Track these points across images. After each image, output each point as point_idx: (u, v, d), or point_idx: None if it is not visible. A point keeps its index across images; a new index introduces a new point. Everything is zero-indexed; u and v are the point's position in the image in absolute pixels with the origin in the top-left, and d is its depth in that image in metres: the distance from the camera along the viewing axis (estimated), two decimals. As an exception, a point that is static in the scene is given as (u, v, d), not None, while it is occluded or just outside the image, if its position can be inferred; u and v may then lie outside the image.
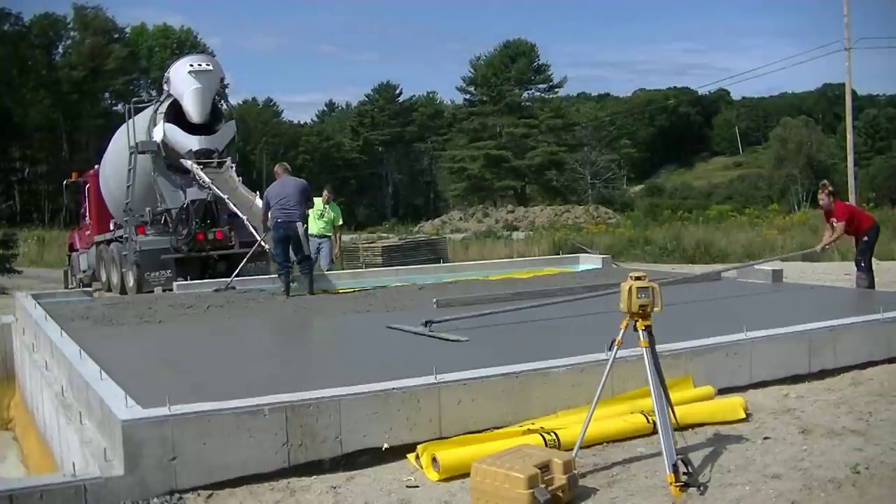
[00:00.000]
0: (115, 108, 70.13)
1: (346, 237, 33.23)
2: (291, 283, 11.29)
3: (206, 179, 14.91)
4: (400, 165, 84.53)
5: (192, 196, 15.49)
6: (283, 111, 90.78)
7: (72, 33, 71.88)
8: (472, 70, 76.43)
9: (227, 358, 7.65)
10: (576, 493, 4.44)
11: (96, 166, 19.30)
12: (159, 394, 4.86)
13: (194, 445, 4.65)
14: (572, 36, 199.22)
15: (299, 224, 11.19)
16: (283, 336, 8.89)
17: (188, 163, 15.31)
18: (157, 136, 15.74)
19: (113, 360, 6.50)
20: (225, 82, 16.79)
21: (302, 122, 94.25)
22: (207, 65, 16.08)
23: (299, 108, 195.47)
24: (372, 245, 19.42)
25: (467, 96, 78.48)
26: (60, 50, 72.29)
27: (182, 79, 15.75)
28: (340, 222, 15.05)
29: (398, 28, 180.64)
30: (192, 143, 15.48)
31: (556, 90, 77.24)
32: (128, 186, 16.05)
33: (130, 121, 16.45)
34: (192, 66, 15.86)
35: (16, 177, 67.20)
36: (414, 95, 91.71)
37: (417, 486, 4.73)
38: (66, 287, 18.77)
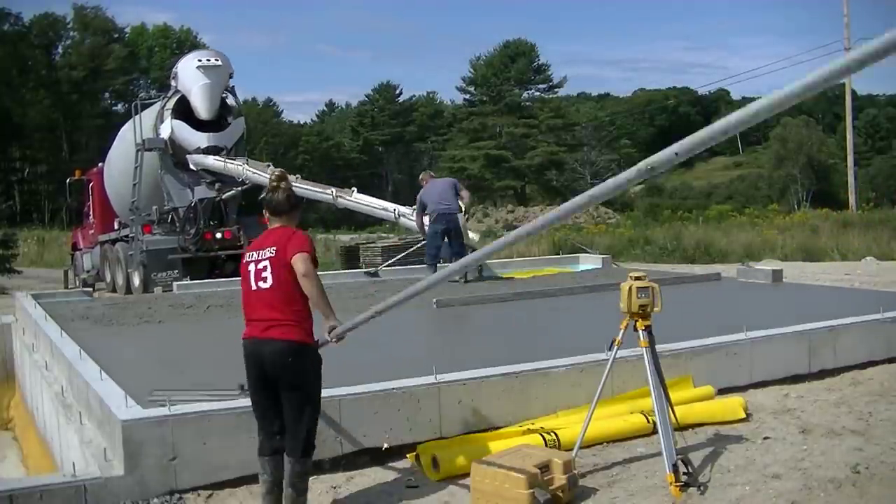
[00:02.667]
0: (115, 108, 70.29)
1: (345, 237, 33.27)
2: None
3: (240, 168, 14.65)
4: (400, 165, 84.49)
5: (199, 194, 15.42)
6: (282, 111, 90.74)
7: (72, 33, 71.87)
8: (471, 70, 76.38)
9: (227, 358, 7.64)
10: (576, 493, 4.44)
11: (100, 164, 19.23)
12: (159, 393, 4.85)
13: (194, 445, 4.65)
14: (570, 35, 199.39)
15: (459, 215, 11.92)
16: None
17: (209, 160, 15.13)
18: (165, 132, 15.69)
19: (113, 360, 6.50)
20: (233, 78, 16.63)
21: (302, 122, 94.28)
22: (216, 60, 15.97)
23: (297, 108, 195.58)
24: (372, 245, 19.38)
25: (467, 96, 78.45)
26: (60, 50, 72.28)
27: (190, 74, 15.68)
28: None
29: (395, 27, 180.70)
30: (201, 139, 15.41)
31: (556, 90, 77.22)
32: (134, 185, 15.98)
33: (137, 117, 16.38)
34: (200, 61, 15.80)
35: (16, 177, 67.16)
36: (414, 95, 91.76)
37: (417, 486, 4.73)
38: (66, 287, 18.73)
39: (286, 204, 4.53)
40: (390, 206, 13.99)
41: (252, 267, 4.39)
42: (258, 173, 14.67)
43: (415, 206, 13.35)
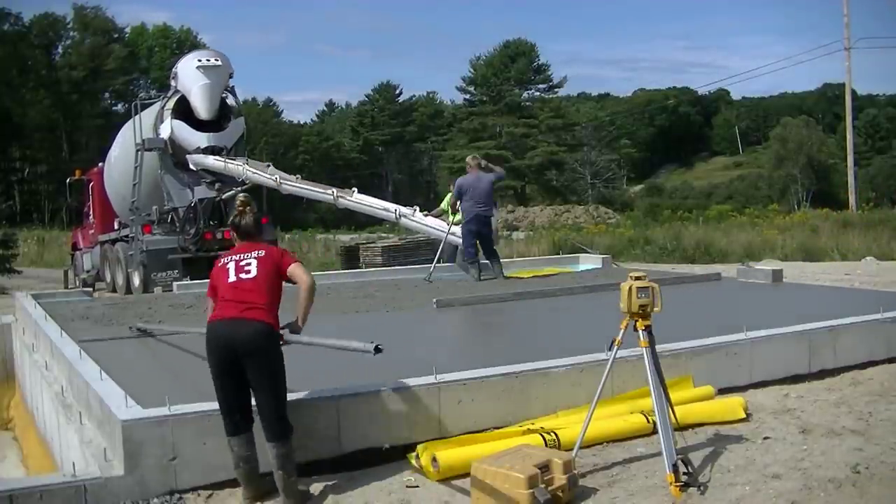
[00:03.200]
0: (115, 108, 70.32)
1: (345, 237, 33.26)
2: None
3: (240, 168, 14.65)
4: (400, 165, 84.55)
5: (199, 194, 15.41)
6: (282, 111, 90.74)
7: (72, 33, 71.90)
8: (471, 70, 76.47)
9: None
10: (576, 493, 4.44)
11: (100, 164, 19.22)
12: (159, 394, 4.85)
13: (194, 445, 4.65)
14: (569, 35, 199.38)
15: (493, 219, 12.11)
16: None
17: (209, 160, 15.12)
18: (165, 132, 15.68)
19: (113, 360, 6.49)
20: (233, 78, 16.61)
21: (302, 122, 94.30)
22: (216, 60, 15.95)
23: (297, 108, 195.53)
24: (372, 245, 19.39)
25: (467, 96, 78.51)
26: (60, 50, 72.35)
27: (190, 74, 15.67)
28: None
29: (394, 26, 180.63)
30: (200, 139, 15.41)
31: (556, 90, 77.30)
32: (134, 185, 15.97)
33: (137, 117, 16.36)
34: (200, 61, 15.78)
35: (16, 177, 67.20)
36: (414, 95, 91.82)
37: (417, 486, 4.73)
38: (66, 287, 18.73)
39: (255, 227, 4.92)
40: (391, 206, 14.01)
41: (232, 265, 4.72)
42: (258, 173, 14.66)
43: (414, 207, 13.36)
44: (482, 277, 11.89)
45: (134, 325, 7.43)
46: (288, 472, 4.48)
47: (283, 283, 4.78)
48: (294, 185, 14.31)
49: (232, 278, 4.66)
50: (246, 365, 4.48)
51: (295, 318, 4.83)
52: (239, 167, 14.72)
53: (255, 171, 14.71)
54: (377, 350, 4.78)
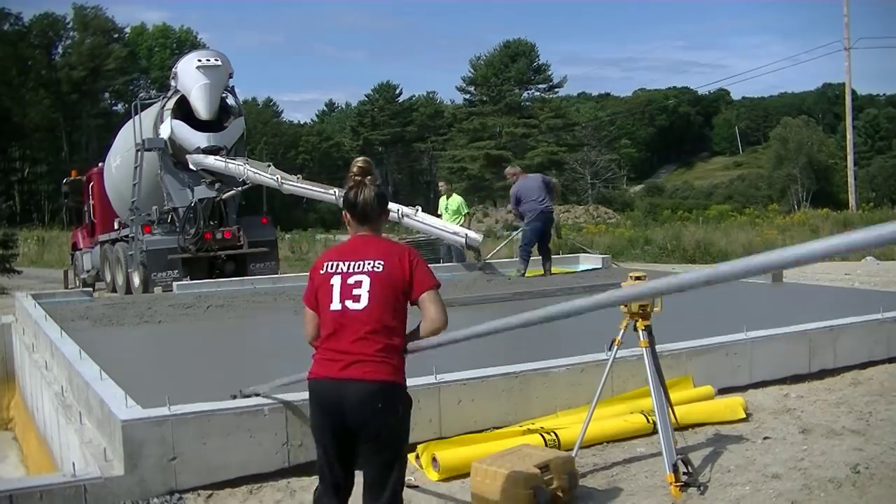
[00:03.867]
0: (115, 108, 70.33)
1: (345, 237, 33.25)
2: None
3: (241, 168, 14.69)
4: (400, 165, 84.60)
5: (199, 194, 15.41)
6: (282, 111, 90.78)
7: (71, 33, 71.94)
8: (471, 70, 76.46)
9: (227, 358, 7.65)
10: (576, 493, 4.44)
11: (100, 164, 19.22)
12: (159, 394, 4.85)
13: (194, 445, 4.65)
14: (567, 34, 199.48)
15: (554, 213, 12.99)
16: (283, 335, 8.88)
17: (209, 159, 15.13)
18: (164, 132, 15.68)
19: (113, 360, 6.50)
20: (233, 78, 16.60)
21: (302, 122, 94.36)
22: (216, 60, 15.95)
23: (295, 108, 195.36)
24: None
25: (467, 96, 78.51)
26: (60, 50, 72.41)
27: (190, 74, 15.66)
28: (466, 210, 15.58)
29: (390, 25, 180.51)
30: (200, 139, 15.41)
31: (556, 90, 77.32)
32: (134, 185, 15.97)
33: (136, 117, 16.36)
34: (200, 61, 15.77)
35: (16, 177, 67.28)
36: (414, 95, 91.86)
37: (417, 486, 4.73)
38: (66, 287, 18.73)
39: (378, 206, 3.56)
40: (393, 206, 13.98)
41: (337, 280, 3.42)
42: (259, 173, 14.66)
43: (416, 206, 13.37)
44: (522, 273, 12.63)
45: (241, 393, 5.32)
46: None
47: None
48: (295, 184, 14.31)
49: (335, 305, 3.39)
50: (358, 432, 3.38)
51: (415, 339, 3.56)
52: (240, 167, 14.72)
53: (255, 170, 14.71)
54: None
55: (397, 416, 3.41)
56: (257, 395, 4.88)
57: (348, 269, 3.44)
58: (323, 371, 3.41)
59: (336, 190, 13.65)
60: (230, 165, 14.85)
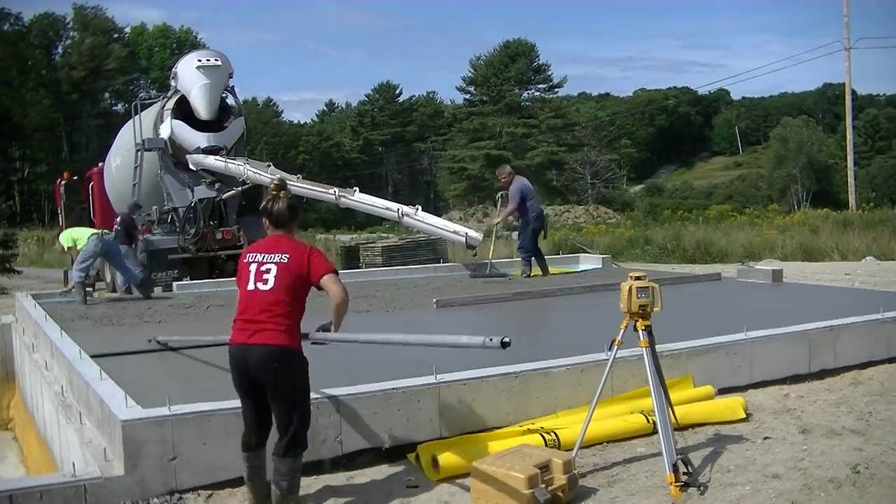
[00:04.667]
0: (115, 108, 70.33)
1: (345, 237, 33.23)
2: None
3: (241, 168, 14.67)
4: (400, 165, 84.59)
5: (199, 194, 15.41)
6: (282, 111, 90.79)
7: (72, 33, 71.93)
8: (471, 70, 76.44)
9: (226, 358, 7.64)
10: (576, 493, 4.44)
11: (100, 164, 19.21)
12: (159, 394, 4.86)
13: (194, 445, 4.65)
14: (564, 33, 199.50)
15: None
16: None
17: (209, 159, 15.12)
18: (165, 132, 15.67)
19: (113, 360, 6.49)
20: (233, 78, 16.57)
21: (302, 122, 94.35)
22: (216, 60, 15.94)
23: (292, 107, 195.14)
24: (372, 245, 19.37)
25: (467, 96, 78.45)
26: (60, 50, 72.40)
27: (190, 74, 15.65)
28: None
29: (386, 24, 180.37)
30: (200, 139, 15.40)
31: (556, 90, 77.30)
32: (134, 185, 15.96)
33: (136, 117, 16.35)
34: (200, 61, 15.76)
35: (16, 177, 67.26)
36: (414, 95, 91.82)
37: (417, 486, 4.73)
38: (66, 287, 18.70)
39: (287, 214, 4.51)
40: (393, 205, 14.00)
41: (254, 267, 4.41)
42: (259, 173, 14.66)
43: (416, 206, 13.37)
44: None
45: (154, 338, 7.03)
46: (282, 489, 4.29)
47: (310, 290, 4.44)
48: (295, 184, 14.32)
49: (250, 286, 4.38)
50: (264, 386, 4.32)
51: (330, 322, 4.65)
52: (240, 167, 14.72)
53: (255, 170, 14.71)
54: (504, 345, 4.22)
55: (290, 372, 4.31)
56: (167, 345, 5.77)
57: (263, 259, 4.41)
58: (237, 339, 4.37)
59: (336, 190, 13.65)
60: (230, 165, 14.85)
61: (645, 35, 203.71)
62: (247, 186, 15.18)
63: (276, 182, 4.73)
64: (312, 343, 4.69)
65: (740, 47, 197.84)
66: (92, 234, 11.64)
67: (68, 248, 11.60)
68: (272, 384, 4.29)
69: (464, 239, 12.83)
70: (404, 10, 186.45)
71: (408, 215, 13.20)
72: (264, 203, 4.59)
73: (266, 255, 4.40)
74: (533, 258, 12.78)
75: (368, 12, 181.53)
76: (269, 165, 15.39)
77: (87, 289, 12.39)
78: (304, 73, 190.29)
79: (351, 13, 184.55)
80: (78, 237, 11.54)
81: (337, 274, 4.44)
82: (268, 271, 4.34)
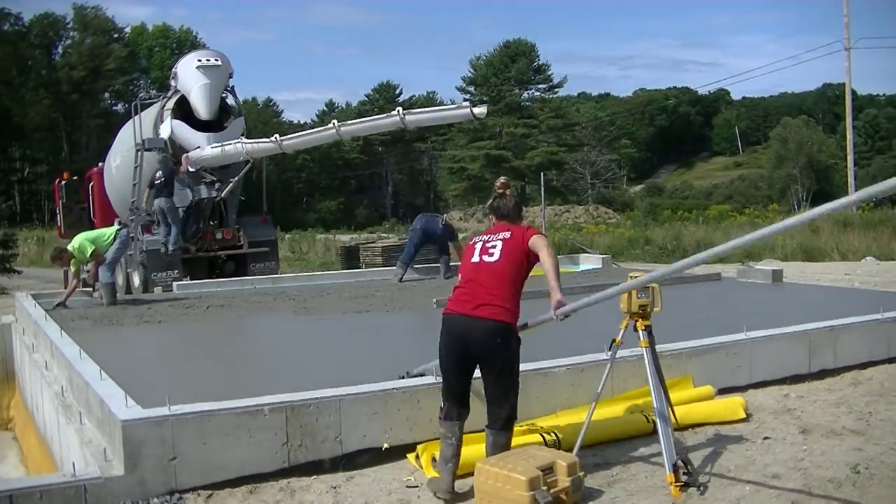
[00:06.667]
0: (115, 108, 70.26)
1: (345, 237, 33.24)
2: None
3: (238, 147, 14.58)
4: (400, 165, 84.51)
5: (199, 194, 15.40)
6: (282, 111, 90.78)
7: (72, 33, 71.87)
8: (471, 70, 76.40)
9: (226, 358, 7.65)
10: (580, 496, 4.42)
11: (100, 164, 19.19)
12: (159, 394, 4.86)
13: (194, 445, 4.65)
14: (562, 32, 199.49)
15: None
16: (283, 336, 8.89)
17: (205, 151, 15.03)
18: (165, 132, 15.64)
19: (113, 360, 6.50)
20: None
21: (302, 122, 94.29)
22: (216, 60, 15.91)
23: (289, 107, 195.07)
24: (372, 245, 19.37)
25: (467, 96, 78.32)
26: (60, 50, 72.29)
27: (190, 74, 15.63)
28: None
29: (380, 22, 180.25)
30: (200, 139, 15.39)
31: (556, 90, 77.22)
32: (134, 184, 15.93)
33: (136, 117, 16.34)
34: (200, 61, 15.73)
35: (16, 177, 67.18)
36: (414, 95, 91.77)
37: (417, 486, 4.73)
38: (66, 287, 18.68)
39: (515, 210, 4.90)
40: (389, 114, 13.05)
41: (479, 245, 4.73)
42: (257, 142, 14.68)
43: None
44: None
45: (408, 374, 5.96)
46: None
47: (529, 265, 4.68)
48: (294, 139, 14.38)
49: (475, 258, 4.66)
50: (479, 361, 4.54)
51: (554, 295, 4.68)
52: (237, 146, 14.67)
53: (253, 142, 14.72)
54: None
55: (511, 348, 4.56)
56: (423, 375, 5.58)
57: (488, 238, 4.76)
58: (454, 308, 4.60)
59: (335, 121, 13.31)
60: (227, 148, 14.79)
61: (643, 34, 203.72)
62: (249, 166, 15.14)
63: (502, 181, 5.63)
64: (547, 321, 4.89)
65: (738, 46, 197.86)
66: (116, 230, 11.15)
67: (91, 253, 10.70)
68: (491, 361, 4.51)
69: (468, 111, 11.99)
70: (395, 7, 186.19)
71: (407, 114, 12.54)
72: (491, 200, 5.06)
73: (492, 235, 4.75)
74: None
75: (360, 10, 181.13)
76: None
77: (87, 288, 12.36)
78: (299, 73, 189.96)
79: (342, 10, 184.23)
80: (93, 239, 10.90)
81: (548, 240, 4.76)
82: (494, 247, 4.66)
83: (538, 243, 4.58)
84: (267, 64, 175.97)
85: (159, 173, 14.47)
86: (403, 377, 5.56)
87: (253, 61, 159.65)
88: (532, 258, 4.63)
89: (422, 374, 5.52)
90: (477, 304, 4.49)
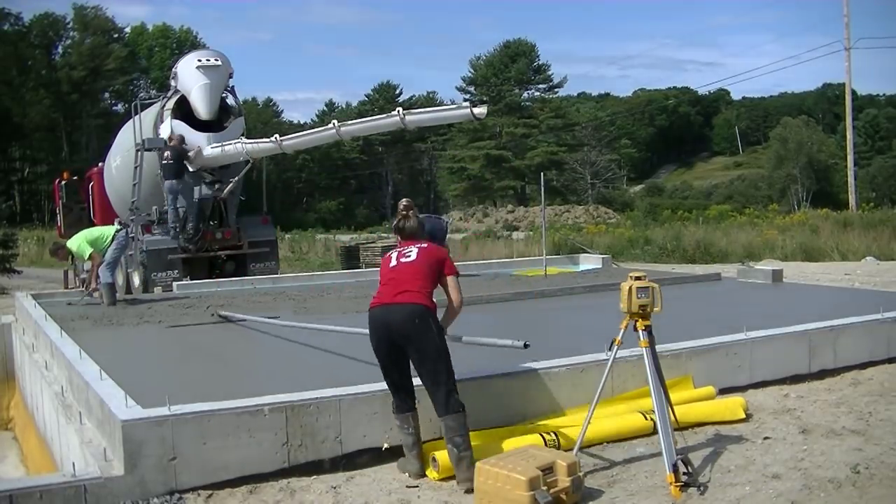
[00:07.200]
0: (115, 108, 70.26)
1: (345, 237, 33.26)
2: None
3: (239, 147, 14.59)
4: (400, 165, 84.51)
5: (199, 194, 15.40)
6: (282, 111, 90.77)
7: (72, 33, 71.87)
8: (471, 70, 76.40)
9: (226, 358, 7.65)
10: (581, 496, 4.41)
11: (100, 163, 19.19)
12: (159, 394, 4.85)
13: (194, 445, 4.65)
14: (560, 31, 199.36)
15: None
16: (284, 336, 8.89)
17: (205, 151, 15.06)
18: (164, 132, 15.66)
19: (113, 360, 6.49)
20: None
21: (302, 122, 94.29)
22: (216, 60, 15.92)
23: (290, 107, 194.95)
24: (372, 245, 19.39)
25: (467, 96, 78.28)
26: (60, 50, 72.29)
27: (190, 74, 15.64)
28: None
29: (377, 21, 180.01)
30: (200, 139, 15.40)
31: (556, 90, 77.22)
32: (134, 185, 15.94)
33: (136, 117, 16.34)
34: (200, 61, 15.74)
35: (16, 177, 67.19)
36: (414, 95, 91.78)
37: (417, 486, 4.73)
38: (66, 287, 18.69)
39: (418, 230, 5.17)
40: (389, 114, 12.94)
41: (395, 253, 5.01)
42: (257, 142, 14.70)
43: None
44: None
45: (216, 312, 7.33)
46: (457, 445, 4.60)
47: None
48: (294, 139, 14.41)
49: (392, 263, 4.93)
50: (405, 347, 4.71)
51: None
52: (237, 146, 14.68)
53: (253, 142, 14.74)
54: (526, 346, 5.04)
55: (430, 328, 4.70)
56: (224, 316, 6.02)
57: (403, 249, 4.98)
58: (377, 300, 4.86)
59: (335, 121, 13.27)
60: (227, 148, 14.81)
61: (643, 34, 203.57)
62: (250, 166, 15.15)
63: (404, 203, 5.64)
64: None
65: (738, 46, 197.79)
66: (114, 230, 11.13)
67: (89, 255, 10.74)
68: (415, 344, 4.69)
69: (468, 111, 11.85)
70: (397, 6, 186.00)
71: (407, 114, 12.49)
72: (396, 221, 5.27)
73: (406, 248, 4.99)
74: None
75: (359, 9, 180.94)
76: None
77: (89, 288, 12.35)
78: (296, 72, 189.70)
79: (341, 10, 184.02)
80: (93, 240, 10.88)
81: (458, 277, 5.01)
82: (410, 252, 4.92)
83: (453, 292, 4.93)
84: (266, 64, 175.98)
85: (168, 153, 14.53)
86: (213, 314, 5.72)
87: (252, 61, 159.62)
88: (443, 275, 4.92)
89: (227, 318, 5.72)
90: (396, 292, 4.76)
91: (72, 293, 13.31)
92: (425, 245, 5.00)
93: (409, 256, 4.88)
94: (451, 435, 4.60)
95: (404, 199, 5.80)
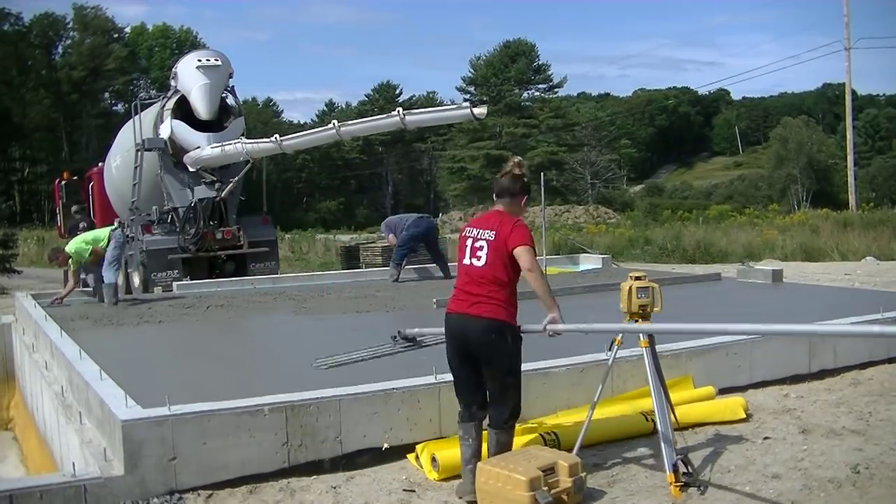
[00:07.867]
0: (115, 108, 70.25)
1: (345, 237, 33.22)
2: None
3: (239, 147, 14.59)
4: (400, 165, 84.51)
5: (199, 194, 15.39)
6: (282, 111, 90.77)
7: (72, 33, 71.86)
8: (471, 70, 76.41)
9: (226, 358, 7.65)
10: (582, 497, 4.41)
11: (100, 164, 19.18)
12: (159, 394, 4.86)
13: (194, 445, 4.65)
14: (559, 30, 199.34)
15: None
16: (284, 336, 8.90)
17: (205, 151, 15.05)
18: (164, 132, 15.64)
19: (113, 360, 6.49)
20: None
21: (302, 122, 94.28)
22: (216, 60, 15.90)
23: (289, 106, 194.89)
24: (372, 245, 19.36)
25: (467, 96, 78.29)
26: (60, 50, 72.28)
27: (190, 74, 15.62)
28: None
29: (374, 21, 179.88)
30: (200, 139, 15.39)
31: (556, 90, 77.23)
32: (134, 185, 15.93)
33: (136, 117, 16.34)
34: (200, 61, 15.73)
35: (16, 177, 67.17)
36: (414, 95, 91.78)
37: (417, 486, 4.73)
38: (66, 287, 18.67)
39: (511, 187, 4.80)
40: (388, 114, 12.88)
41: (469, 242, 4.66)
42: (258, 142, 14.68)
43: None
44: None
45: (399, 334, 6.91)
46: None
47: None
48: (294, 139, 14.39)
49: (466, 260, 4.64)
50: (479, 359, 4.56)
51: (550, 312, 4.77)
52: (237, 146, 14.67)
53: (253, 142, 14.72)
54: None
55: (506, 344, 4.53)
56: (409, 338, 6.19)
57: (477, 234, 4.66)
58: (452, 307, 4.65)
59: (335, 121, 13.25)
60: (227, 148, 14.79)
61: (642, 34, 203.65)
62: (249, 166, 15.13)
63: (517, 160, 5.02)
64: (534, 332, 4.83)
65: (737, 46, 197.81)
66: (111, 230, 11.15)
67: (90, 251, 10.79)
68: (488, 357, 4.52)
69: (468, 111, 11.79)
70: (396, 6, 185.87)
71: (407, 114, 12.40)
72: (498, 175, 4.96)
73: (479, 231, 4.66)
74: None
75: (358, 9, 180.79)
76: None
77: (87, 288, 12.36)
78: (295, 72, 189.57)
79: (340, 10, 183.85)
80: (91, 241, 10.92)
81: (533, 247, 4.61)
82: (480, 248, 4.59)
83: (522, 260, 4.52)
84: (264, 64, 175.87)
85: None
86: (395, 337, 6.12)
87: (249, 61, 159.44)
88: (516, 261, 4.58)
89: (413, 339, 5.88)
90: (472, 302, 4.54)
91: (71, 293, 13.29)
92: (493, 235, 4.56)
93: (480, 258, 4.55)
94: (499, 449, 4.52)
95: (517, 157, 5.12)
